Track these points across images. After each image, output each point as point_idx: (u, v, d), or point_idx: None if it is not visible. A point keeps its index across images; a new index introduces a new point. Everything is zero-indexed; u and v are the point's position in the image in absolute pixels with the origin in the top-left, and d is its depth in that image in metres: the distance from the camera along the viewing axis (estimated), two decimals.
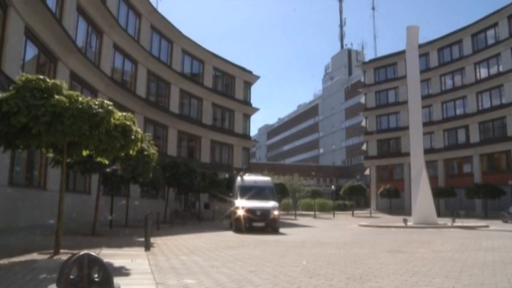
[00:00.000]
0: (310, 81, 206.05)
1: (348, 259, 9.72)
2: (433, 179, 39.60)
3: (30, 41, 17.83)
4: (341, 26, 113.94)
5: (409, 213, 30.90)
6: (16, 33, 16.16)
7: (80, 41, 23.40)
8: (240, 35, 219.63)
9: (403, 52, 42.06)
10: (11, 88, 8.93)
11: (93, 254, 3.21)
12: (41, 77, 9.08)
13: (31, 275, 6.53)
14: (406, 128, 36.98)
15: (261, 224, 20.31)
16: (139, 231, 14.70)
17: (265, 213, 20.50)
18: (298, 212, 48.72)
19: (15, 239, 11.96)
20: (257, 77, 49.78)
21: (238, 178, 23.79)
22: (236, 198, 21.83)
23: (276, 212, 20.75)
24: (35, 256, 8.69)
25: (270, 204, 21.19)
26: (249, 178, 24.12)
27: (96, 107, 8.68)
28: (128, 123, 9.25)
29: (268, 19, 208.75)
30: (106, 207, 18.72)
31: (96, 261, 3.15)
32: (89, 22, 24.61)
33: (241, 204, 20.62)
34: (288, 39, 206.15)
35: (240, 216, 20.12)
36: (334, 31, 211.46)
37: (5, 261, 7.95)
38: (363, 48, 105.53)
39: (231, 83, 47.18)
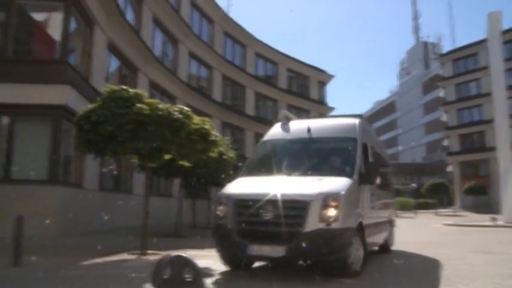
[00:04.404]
0: (384, 77, 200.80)
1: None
2: None
3: (113, 54, 18.91)
4: (415, 19, 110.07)
5: (497, 211, 29.24)
6: (101, 48, 17.22)
7: (157, 51, 24.36)
8: (312, 35, 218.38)
9: (484, 41, 39.92)
10: (98, 99, 9.56)
11: (185, 255, 3.39)
12: (124, 87, 9.63)
13: (123, 273, 6.95)
14: (491, 121, 35.02)
15: (271, 252, 6.58)
16: None
17: (286, 214, 6.53)
18: None
19: (105, 239, 12.66)
20: (331, 76, 49.27)
21: (274, 127, 9.34)
22: (243, 174, 8.33)
23: (332, 213, 6.48)
24: (124, 256, 9.20)
25: (324, 185, 6.91)
26: (296, 125, 9.15)
27: (176, 113, 9.07)
28: (206, 127, 9.57)
29: (337, 18, 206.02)
30: (188, 209, 19.33)
31: (187, 263, 3.32)
32: (165, 32, 25.59)
33: (235, 190, 7.41)
34: (359, 37, 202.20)
35: (220, 224, 7.08)
36: (406, 25, 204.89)
37: (99, 260, 8.52)
38: (439, 40, 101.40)
39: (306, 84, 47.03)
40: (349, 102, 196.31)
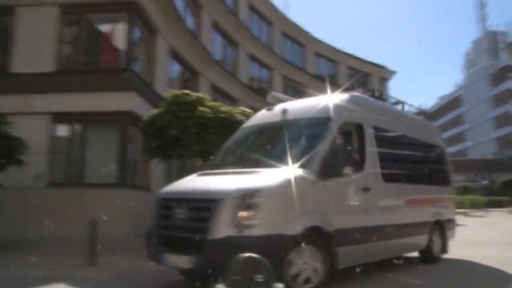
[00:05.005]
0: (448, 71, 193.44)
1: None
2: None
3: (174, 59, 19.42)
4: (481, 7, 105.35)
5: None
6: (163, 55, 17.74)
7: (217, 55, 24.75)
8: (372, 30, 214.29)
9: None
10: (161, 104, 9.86)
11: (256, 256, 3.41)
12: (186, 91, 9.89)
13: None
14: None
15: (180, 263, 5.48)
16: None
17: (193, 217, 5.49)
18: None
19: None
20: (393, 72, 48.09)
21: (259, 112, 8.18)
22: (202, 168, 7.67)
23: (248, 216, 5.05)
24: None
25: (250, 179, 5.51)
26: (279, 108, 7.17)
27: (238, 115, 9.19)
28: None
29: (397, 11, 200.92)
30: None
31: (259, 263, 3.35)
32: (224, 36, 25.96)
33: (165, 188, 6.51)
34: (421, 30, 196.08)
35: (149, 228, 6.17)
36: (470, 14, 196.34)
37: None
38: (509, 28, 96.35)
39: (366, 81, 46.20)
40: (412, 98, 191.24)
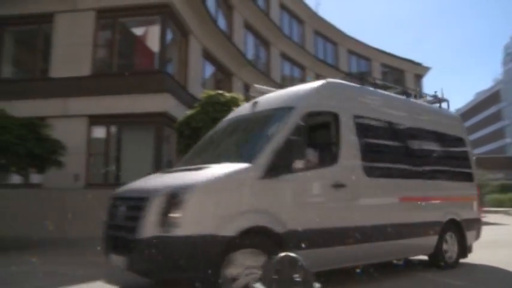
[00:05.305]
0: (486, 66, 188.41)
1: None
2: None
3: (207, 60, 19.57)
4: None
5: None
6: (196, 56, 17.91)
7: (250, 55, 24.81)
8: (405, 27, 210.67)
9: None
10: (196, 105, 9.94)
11: (294, 255, 3.38)
12: (220, 91, 9.94)
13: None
14: None
15: (118, 263, 5.21)
16: None
17: (126, 216, 5.33)
18: (485, 209, 44.49)
19: None
20: (427, 68, 47.11)
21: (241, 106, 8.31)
22: (182, 161, 7.13)
23: (174, 214, 4.65)
24: None
25: (185, 176, 5.26)
26: (256, 100, 6.95)
27: None
28: None
29: (433, 6, 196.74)
30: None
31: (296, 262, 3.32)
32: (256, 35, 25.99)
33: (125, 186, 6.25)
34: (457, 25, 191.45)
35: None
36: (509, 7, 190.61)
37: None
38: None
39: (401, 78, 45.39)
40: (448, 94, 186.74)
